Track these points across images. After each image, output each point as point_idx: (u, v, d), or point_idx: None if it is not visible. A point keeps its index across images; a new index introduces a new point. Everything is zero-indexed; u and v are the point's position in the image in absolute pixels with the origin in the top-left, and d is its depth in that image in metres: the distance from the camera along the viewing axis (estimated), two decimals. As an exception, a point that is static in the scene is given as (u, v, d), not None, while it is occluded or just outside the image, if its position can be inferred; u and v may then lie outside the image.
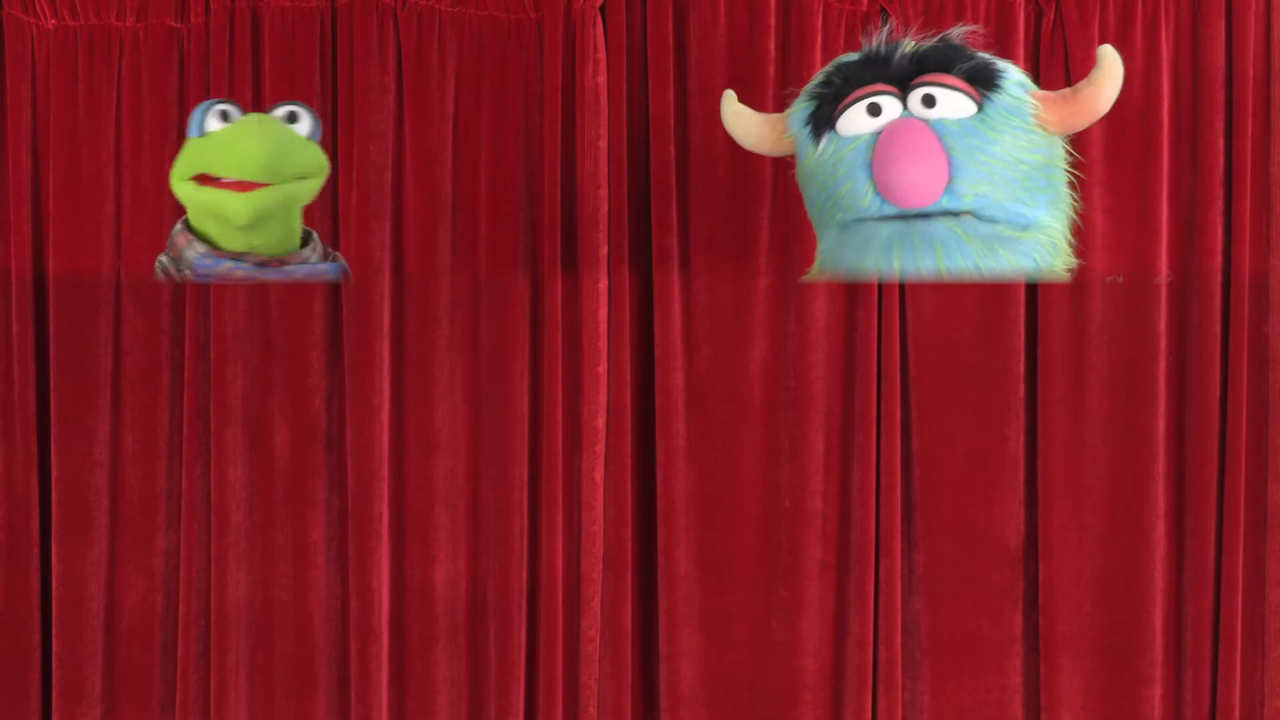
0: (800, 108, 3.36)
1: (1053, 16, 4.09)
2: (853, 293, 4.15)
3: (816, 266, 3.40)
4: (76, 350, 4.18)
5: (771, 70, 4.12)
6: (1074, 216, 3.34)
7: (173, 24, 4.16)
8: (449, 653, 4.18)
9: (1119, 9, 4.09)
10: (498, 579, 4.17)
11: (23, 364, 4.17)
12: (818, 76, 3.36)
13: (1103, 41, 4.05)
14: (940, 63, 3.23)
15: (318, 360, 4.19)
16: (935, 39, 3.27)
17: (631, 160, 4.14)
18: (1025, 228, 3.20)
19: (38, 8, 4.15)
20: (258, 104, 4.12)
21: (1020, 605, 4.15)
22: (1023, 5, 4.09)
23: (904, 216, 3.18)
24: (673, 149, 4.13)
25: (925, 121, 3.18)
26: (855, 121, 3.24)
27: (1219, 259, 4.11)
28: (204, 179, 3.47)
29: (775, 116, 3.46)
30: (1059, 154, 3.29)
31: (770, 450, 4.17)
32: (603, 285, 4.12)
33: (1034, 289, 4.13)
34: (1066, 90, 3.28)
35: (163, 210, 4.16)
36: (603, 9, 4.13)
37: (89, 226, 4.18)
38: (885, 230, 3.18)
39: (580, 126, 4.10)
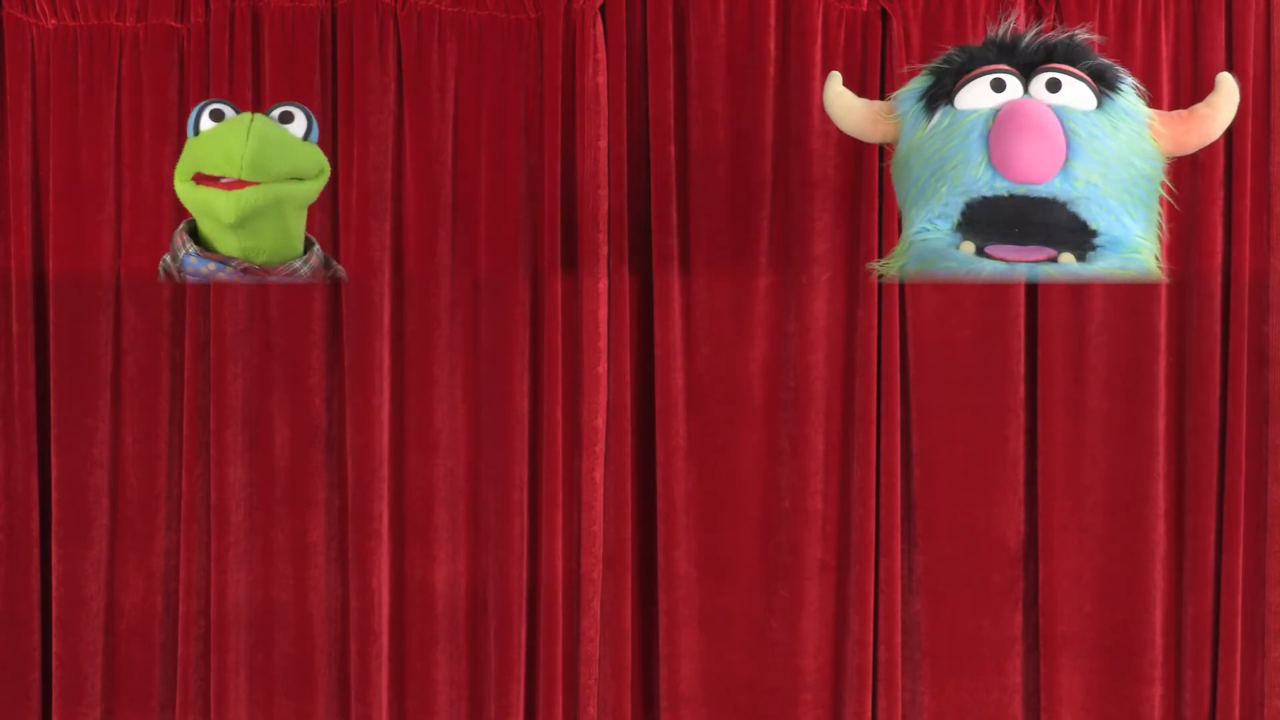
0: (915, 85, 3.36)
1: (1052, 16, 4.08)
2: (853, 293, 4.15)
3: (894, 263, 3.36)
4: (76, 350, 4.18)
5: (771, 70, 4.12)
6: (1159, 237, 3.36)
7: (173, 24, 4.16)
8: (449, 653, 4.18)
9: (1119, 9, 4.09)
10: (498, 579, 4.17)
11: (23, 364, 4.17)
12: (937, 58, 3.38)
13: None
14: (1067, 54, 3.27)
15: (318, 360, 4.19)
16: (1065, 35, 3.31)
17: (631, 160, 4.14)
18: (1121, 243, 3.20)
19: (38, 8, 4.15)
20: (258, 104, 4.12)
21: (1020, 605, 4.15)
22: (1022, 5, 4.09)
23: (1006, 250, 3.19)
24: (673, 149, 4.13)
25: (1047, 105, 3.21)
26: (976, 95, 3.25)
27: (1219, 259, 4.11)
28: (200, 178, 3.48)
29: (880, 102, 3.45)
30: (1161, 173, 3.31)
31: (770, 450, 4.16)
32: (603, 285, 4.12)
33: (1034, 289, 4.13)
34: (1182, 110, 3.34)
35: (163, 210, 4.16)
36: (603, 9, 4.13)
37: (89, 226, 4.18)
38: (988, 269, 3.19)
39: (580, 126, 4.10)
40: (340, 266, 3.85)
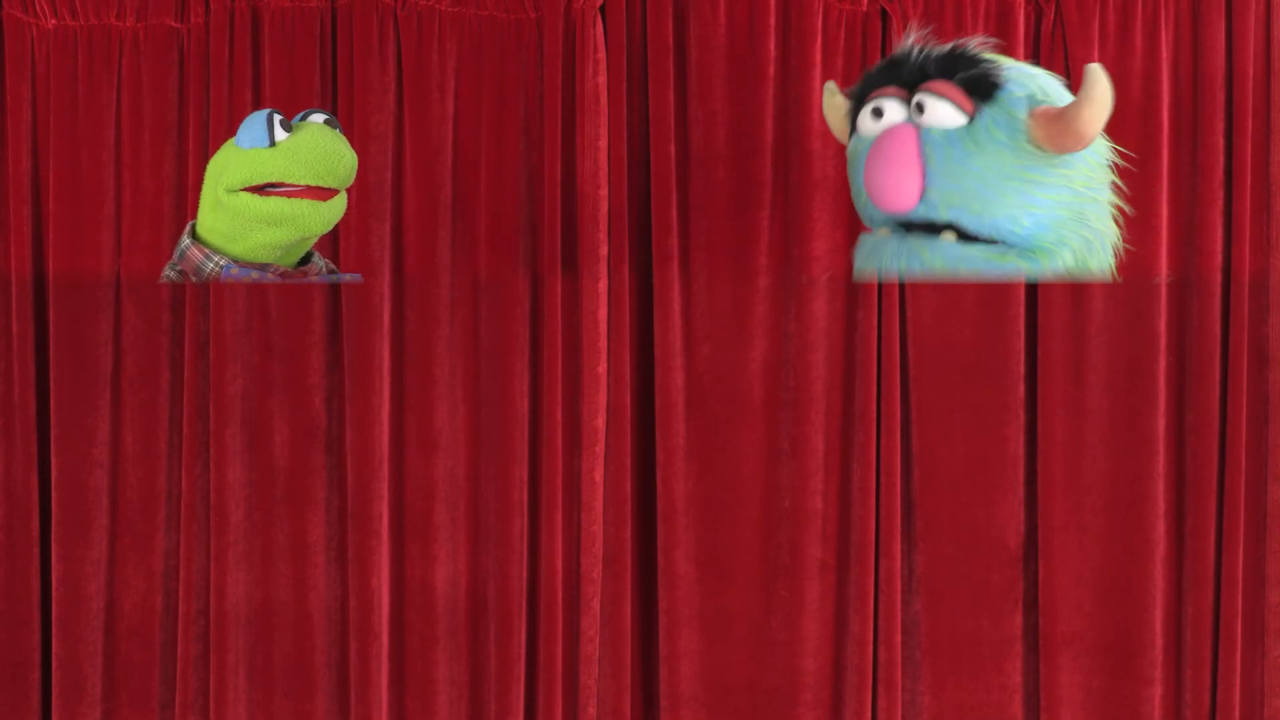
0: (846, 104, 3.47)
1: (1053, 16, 4.09)
2: (853, 293, 4.15)
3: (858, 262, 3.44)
4: (76, 350, 4.18)
5: (771, 70, 4.12)
6: (1114, 220, 3.34)
7: (173, 24, 4.16)
8: (449, 653, 4.18)
9: (1119, 9, 4.09)
10: (498, 579, 4.17)
11: (23, 364, 4.17)
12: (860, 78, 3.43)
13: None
14: (942, 69, 3.24)
15: (318, 360, 4.19)
16: (949, 45, 3.28)
17: (631, 160, 4.15)
18: (1022, 245, 3.20)
19: (38, 8, 4.15)
20: (258, 104, 4.12)
21: (1020, 605, 4.16)
22: (1022, 5, 4.09)
23: (903, 228, 3.23)
24: (673, 149, 4.13)
25: (918, 128, 3.21)
26: (865, 124, 3.31)
27: (1219, 259, 4.11)
28: (264, 188, 3.42)
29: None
30: (1061, 167, 3.23)
31: (770, 450, 4.17)
32: (603, 285, 4.12)
33: (1034, 289, 4.13)
34: (1058, 108, 3.20)
35: (163, 210, 4.17)
36: (603, 9, 4.13)
37: (89, 226, 4.18)
38: (893, 243, 3.23)
39: (580, 126, 4.10)
40: (330, 263, 3.84)
